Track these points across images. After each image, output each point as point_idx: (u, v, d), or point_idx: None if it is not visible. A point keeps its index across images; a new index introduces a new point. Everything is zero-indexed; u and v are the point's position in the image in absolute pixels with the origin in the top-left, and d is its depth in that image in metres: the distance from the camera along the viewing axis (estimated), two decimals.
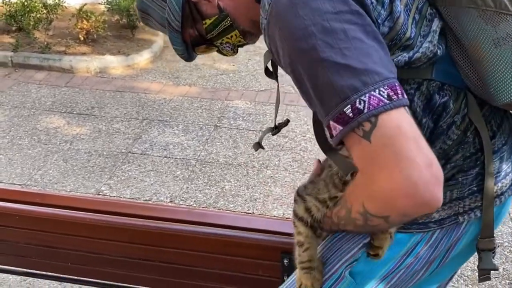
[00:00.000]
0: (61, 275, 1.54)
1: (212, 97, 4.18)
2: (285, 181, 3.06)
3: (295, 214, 0.92)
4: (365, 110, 0.69)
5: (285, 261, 1.24)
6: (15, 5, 4.91)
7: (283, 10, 0.75)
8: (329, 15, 0.72)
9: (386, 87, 0.70)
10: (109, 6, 5.14)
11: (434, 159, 0.69)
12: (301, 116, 3.83)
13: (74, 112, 3.86)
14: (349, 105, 0.70)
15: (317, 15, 0.73)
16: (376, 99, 0.69)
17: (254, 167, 3.21)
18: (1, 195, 1.47)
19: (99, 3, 5.37)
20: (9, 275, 2.16)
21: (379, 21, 0.80)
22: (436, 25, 0.87)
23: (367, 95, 0.70)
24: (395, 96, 0.70)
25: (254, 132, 3.62)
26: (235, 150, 3.39)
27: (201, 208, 2.80)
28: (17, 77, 4.43)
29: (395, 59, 0.82)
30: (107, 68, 4.60)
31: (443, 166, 0.85)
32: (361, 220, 0.78)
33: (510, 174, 0.96)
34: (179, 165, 3.22)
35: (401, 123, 0.70)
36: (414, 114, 0.85)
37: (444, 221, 0.92)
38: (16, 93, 4.15)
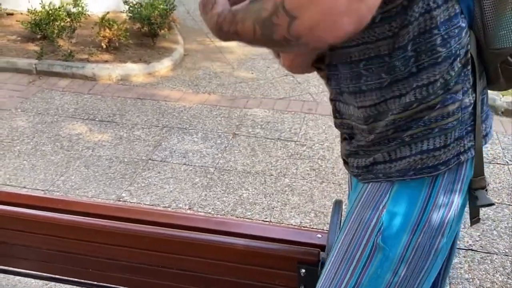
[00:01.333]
0: (82, 280, 1.58)
1: (231, 105, 4.22)
2: (303, 190, 3.07)
3: None
4: None
5: (302, 271, 1.25)
6: (40, 14, 5.03)
7: None
8: None
9: None
10: (131, 15, 5.23)
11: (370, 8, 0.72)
12: (319, 124, 3.84)
13: (96, 119, 3.94)
14: None
15: None
16: None
17: (271, 175, 3.23)
18: (25, 201, 1.52)
19: (121, 12, 5.47)
20: (32, 279, 2.20)
21: None
22: None
23: None
24: None
25: (272, 140, 3.64)
26: (253, 158, 3.42)
27: (218, 216, 2.83)
28: (41, 84, 4.53)
29: None
30: (128, 75, 4.67)
31: (443, 95, 0.91)
32: (267, 13, 0.76)
33: (489, 117, 1.03)
34: (197, 172, 3.25)
35: None
36: (432, 20, 0.87)
37: (449, 161, 0.95)
38: (40, 100, 4.25)
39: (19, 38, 5.29)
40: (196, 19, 6.30)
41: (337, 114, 1.07)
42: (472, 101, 0.95)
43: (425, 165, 0.95)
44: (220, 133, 3.74)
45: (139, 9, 5.17)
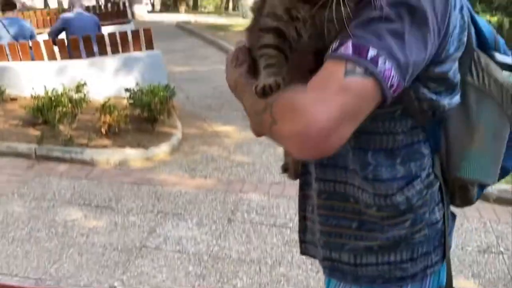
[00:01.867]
0: None
1: (226, 189, 4.26)
2: (298, 280, 3.04)
3: (261, 45, 0.92)
4: (377, 69, 0.77)
5: None
6: (42, 99, 5.19)
7: None
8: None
9: (398, 83, 0.79)
10: (132, 101, 5.40)
11: (338, 141, 0.79)
12: None
13: (92, 205, 3.95)
14: (377, 53, 0.77)
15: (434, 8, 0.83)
16: (388, 72, 0.78)
17: (267, 263, 3.20)
18: None
19: (122, 98, 5.65)
20: None
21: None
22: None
23: (393, 65, 0.78)
24: (393, 87, 0.79)
25: (267, 226, 3.64)
26: (248, 245, 3.40)
27: None
28: (40, 169, 4.59)
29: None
30: (126, 160, 4.75)
31: (408, 214, 0.97)
32: (262, 106, 0.84)
33: (453, 228, 1.11)
34: (191, 260, 3.23)
35: (367, 99, 0.79)
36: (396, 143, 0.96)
37: (416, 275, 1.01)
38: (37, 184, 4.29)
39: (20, 123, 5.43)
40: (195, 104, 6.51)
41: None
42: (439, 219, 1.01)
43: (393, 276, 1.00)
44: (215, 219, 3.75)
45: (140, 96, 5.34)
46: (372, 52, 0.77)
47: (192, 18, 17.28)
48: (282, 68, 0.86)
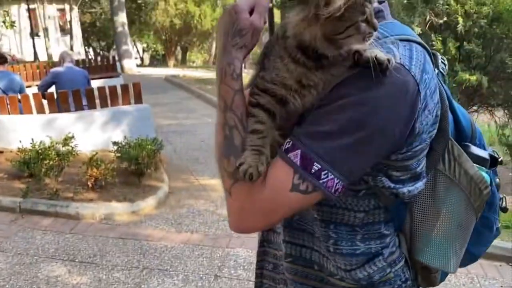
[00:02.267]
0: None
1: (213, 244, 4.22)
2: None
3: (256, 103, 0.93)
4: (319, 182, 0.86)
5: None
6: (29, 152, 5.18)
7: (386, 93, 0.85)
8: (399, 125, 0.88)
9: (342, 186, 0.88)
10: (119, 154, 5.41)
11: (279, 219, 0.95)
12: None
13: (76, 260, 3.88)
14: (321, 167, 0.86)
15: (392, 121, 0.87)
16: (331, 182, 0.86)
17: None
18: None
19: (110, 151, 5.66)
20: None
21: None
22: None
23: (335, 176, 0.86)
24: (338, 191, 0.88)
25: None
26: None
27: None
28: (23, 223, 4.52)
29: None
30: (112, 214, 4.71)
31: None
32: (224, 176, 0.93)
33: None
34: None
35: (306, 205, 0.92)
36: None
37: None
38: (20, 239, 4.22)
39: (6, 176, 5.39)
40: (183, 157, 6.54)
41: None
42: None
43: None
44: (201, 275, 3.69)
45: (127, 149, 5.36)
46: (316, 167, 0.86)
47: (180, 72, 17.61)
48: (267, 149, 0.91)
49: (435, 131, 0.96)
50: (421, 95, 0.87)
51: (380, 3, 1.04)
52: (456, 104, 1.10)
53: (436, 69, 1.04)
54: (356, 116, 0.84)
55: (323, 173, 0.85)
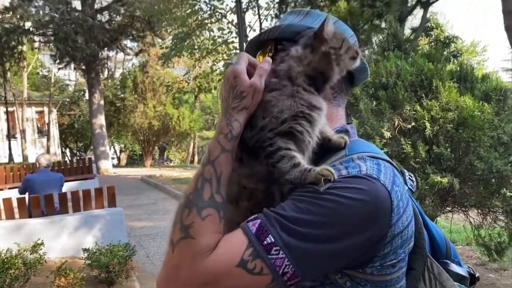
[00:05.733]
0: None
1: None
2: None
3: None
4: (268, 256, 0.84)
5: None
6: None
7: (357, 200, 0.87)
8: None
9: (293, 273, 0.84)
10: (89, 262, 5.20)
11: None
12: None
13: None
14: (275, 240, 0.84)
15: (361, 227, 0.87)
16: (279, 262, 0.84)
17: None
18: None
19: (80, 258, 5.43)
20: None
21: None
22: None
23: (286, 257, 0.83)
24: (287, 274, 0.85)
25: None
26: None
27: None
28: None
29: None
30: None
31: None
32: (177, 227, 0.90)
33: None
34: None
35: (244, 285, 0.86)
36: None
37: None
38: None
39: None
40: (156, 263, 6.31)
41: None
42: None
43: None
44: None
45: (98, 256, 5.16)
46: (269, 239, 0.84)
47: (157, 171, 17.62)
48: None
49: (411, 246, 0.95)
50: (394, 204, 0.88)
51: (348, 123, 1.09)
52: (429, 221, 1.11)
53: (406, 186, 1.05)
54: (324, 214, 0.86)
55: (274, 248, 0.84)
